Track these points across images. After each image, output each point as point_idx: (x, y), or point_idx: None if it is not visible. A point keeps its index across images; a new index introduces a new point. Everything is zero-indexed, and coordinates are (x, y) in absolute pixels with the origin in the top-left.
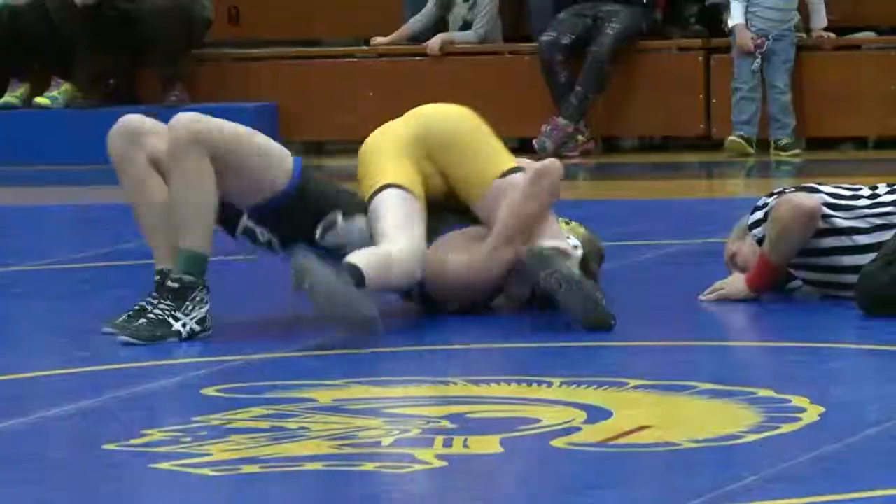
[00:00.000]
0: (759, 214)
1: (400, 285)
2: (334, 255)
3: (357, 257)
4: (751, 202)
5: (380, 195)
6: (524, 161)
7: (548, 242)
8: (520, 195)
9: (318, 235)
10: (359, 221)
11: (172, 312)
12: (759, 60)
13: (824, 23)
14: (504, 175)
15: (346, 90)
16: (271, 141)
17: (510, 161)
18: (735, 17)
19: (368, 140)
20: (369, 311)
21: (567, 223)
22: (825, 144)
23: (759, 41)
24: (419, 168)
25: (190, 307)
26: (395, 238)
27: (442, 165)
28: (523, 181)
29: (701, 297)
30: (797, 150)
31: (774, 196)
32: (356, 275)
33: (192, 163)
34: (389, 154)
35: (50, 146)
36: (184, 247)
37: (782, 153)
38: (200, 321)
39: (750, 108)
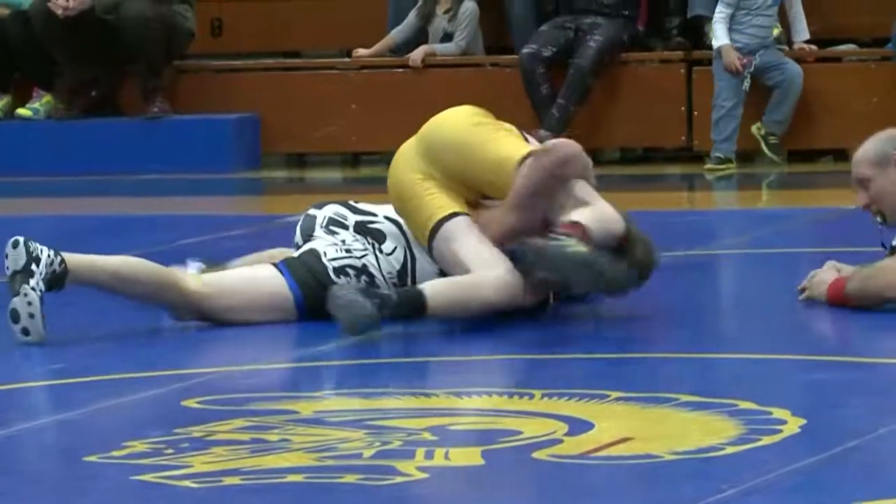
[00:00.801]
0: None
1: (472, 312)
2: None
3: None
4: (733, 214)
5: (443, 229)
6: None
7: (572, 215)
8: (524, 168)
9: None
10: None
11: None
12: (748, 80)
13: (806, 35)
14: (522, 161)
15: (328, 102)
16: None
17: (523, 148)
18: (720, 38)
19: (392, 177)
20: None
21: None
22: (806, 157)
23: (744, 60)
24: (454, 191)
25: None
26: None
27: (460, 175)
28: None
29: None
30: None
31: None
32: (417, 299)
33: None
34: (421, 189)
35: (32, 157)
36: None
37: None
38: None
39: (730, 126)
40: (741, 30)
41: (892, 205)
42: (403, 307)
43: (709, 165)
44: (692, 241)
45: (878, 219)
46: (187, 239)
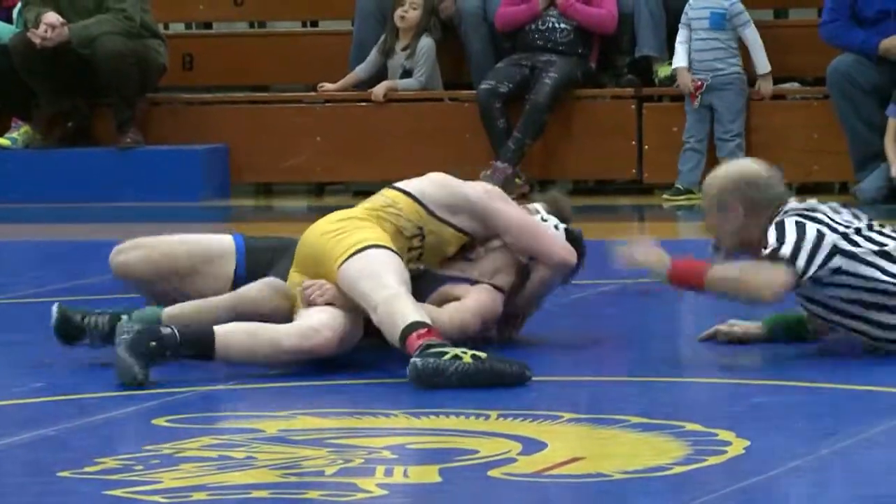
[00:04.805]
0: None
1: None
2: None
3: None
4: (680, 244)
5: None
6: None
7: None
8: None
9: None
10: None
11: None
12: (697, 101)
13: (767, 68)
14: (345, 262)
15: (294, 134)
16: (201, 237)
17: (355, 247)
18: (676, 60)
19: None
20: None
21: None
22: None
23: (698, 83)
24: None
25: None
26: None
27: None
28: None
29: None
30: None
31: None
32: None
33: None
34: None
35: (9, 185)
36: None
37: None
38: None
39: (693, 159)
40: (693, 56)
41: (724, 242)
42: (187, 347)
43: (665, 195)
44: (643, 270)
45: (712, 247)
46: None
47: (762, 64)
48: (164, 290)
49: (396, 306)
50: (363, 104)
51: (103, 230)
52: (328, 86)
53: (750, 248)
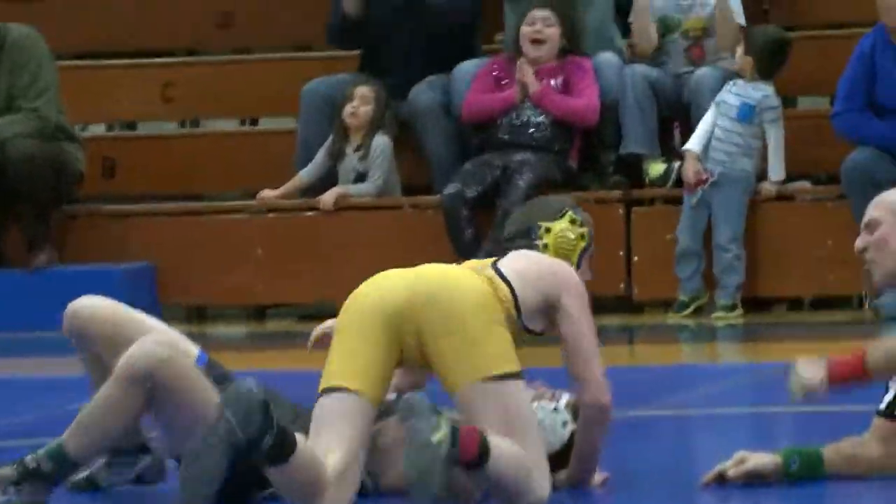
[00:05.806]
0: None
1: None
2: None
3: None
4: (677, 370)
5: (320, 401)
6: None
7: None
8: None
9: None
10: None
11: None
12: (696, 197)
13: (782, 175)
14: (497, 379)
15: (232, 248)
16: (170, 330)
17: (510, 365)
18: (691, 143)
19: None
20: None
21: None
22: (757, 305)
23: (704, 176)
24: (396, 345)
25: None
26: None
27: (427, 338)
28: None
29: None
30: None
31: None
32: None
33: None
34: (355, 335)
35: None
36: None
37: (728, 314)
38: None
39: (691, 264)
40: (712, 144)
41: (889, 257)
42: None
43: (672, 312)
44: (632, 400)
45: (867, 268)
46: (82, 402)
47: (776, 170)
48: (104, 357)
49: None
50: (311, 213)
51: (15, 365)
52: (269, 192)
53: None
